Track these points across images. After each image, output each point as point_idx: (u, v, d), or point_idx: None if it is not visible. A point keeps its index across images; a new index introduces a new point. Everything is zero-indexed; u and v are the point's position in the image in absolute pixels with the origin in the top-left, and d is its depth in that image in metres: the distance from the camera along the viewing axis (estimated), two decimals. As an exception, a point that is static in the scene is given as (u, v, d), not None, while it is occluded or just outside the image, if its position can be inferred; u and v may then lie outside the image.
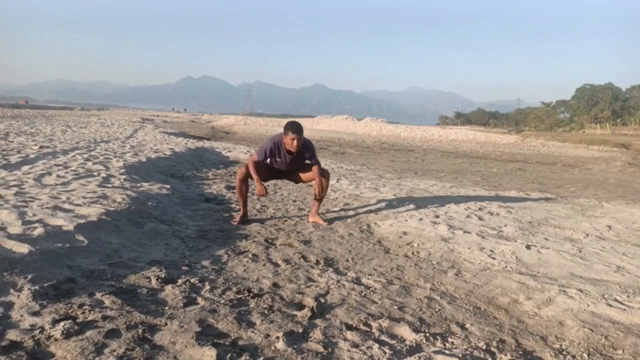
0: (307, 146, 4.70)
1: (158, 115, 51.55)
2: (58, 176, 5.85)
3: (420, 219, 4.95)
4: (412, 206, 5.70)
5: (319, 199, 4.83)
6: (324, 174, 4.79)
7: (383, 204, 5.80)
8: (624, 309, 2.65)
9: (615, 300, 2.79)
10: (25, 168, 6.32)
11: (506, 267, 3.52)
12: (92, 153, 8.75)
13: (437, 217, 5.12)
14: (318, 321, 2.43)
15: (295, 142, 4.48)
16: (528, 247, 4.00)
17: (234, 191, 6.56)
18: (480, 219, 5.17)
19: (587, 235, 4.60)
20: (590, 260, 3.68)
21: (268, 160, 4.73)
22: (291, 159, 4.68)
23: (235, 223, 4.59)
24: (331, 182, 7.68)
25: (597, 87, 74.71)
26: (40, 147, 9.10)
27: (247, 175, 4.68)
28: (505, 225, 4.84)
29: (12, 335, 2.02)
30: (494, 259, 3.69)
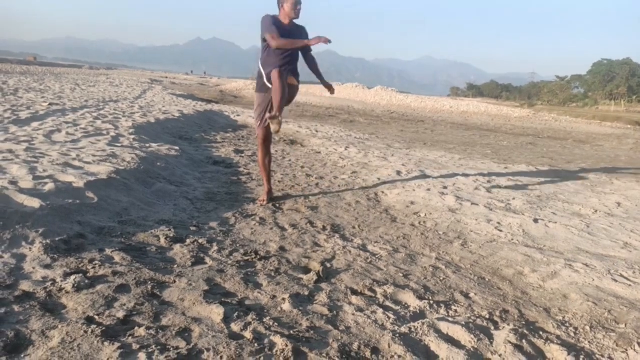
0: (301, 26, 4.13)
1: (167, 77, 51.12)
2: (68, 134, 5.86)
3: (428, 190, 4.94)
4: (420, 176, 5.68)
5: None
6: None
7: (391, 174, 5.78)
8: (629, 285, 2.65)
9: (621, 275, 2.79)
10: (35, 124, 6.33)
11: (513, 239, 3.52)
12: (101, 112, 8.73)
13: (445, 188, 5.10)
14: (324, 285, 2.46)
15: (299, 7, 3.94)
16: (535, 220, 3.99)
17: (242, 155, 6.56)
18: (489, 191, 5.14)
19: (596, 211, 4.57)
20: (598, 236, 3.67)
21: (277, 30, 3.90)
22: (292, 32, 4.00)
23: (263, 203, 4.06)
24: (340, 149, 7.64)
25: (615, 62, 72.80)
26: (50, 104, 9.09)
27: (269, 136, 4.15)
28: (514, 199, 4.82)
29: (24, 286, 2.07)
30: (500, 231, 3.69)
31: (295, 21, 4.10)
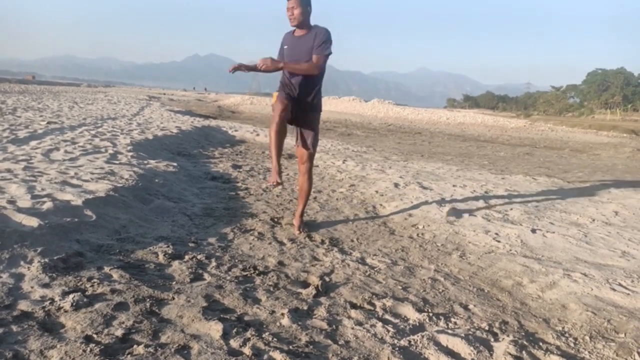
0: (318, 29, 3.59)
1: (164, 93, 51.36)
2: (66, 152, 5.88)
3: (426, 201, 4.95)
4: (417, 188, 5.69)
5: (303, 195, 3.82)
6: (309, 165, 3.79)
7: (389, 186, 5.80)
8: (628, 294, 2.65)
9: (620, 284, 2.80)
10: (33, 143, 6.35)
11: (511, 250, 3.53)
12: (99, 130, 8.77)
13: (442, 199, 5.12)
14: (323, 299, 2.46)
15: (293, 12, 3.46)
16: (533, 230, 4.00)
17: (240, 170, 6.58)
18: (486, 202, 5.15)
19: (594, 220, 4.58)
20: (596, 245, 3.68)
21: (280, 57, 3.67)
22: (296, 41, 3.61)
23: (275, 183, 3.43)
24: (337, 163, 7.67)
25: (609, 71, 73.46)
26: (48, 122, 9.13)
27: (284, 125, 3.56)
28: (511, 209, 4.83)
29: (23, 305, 2.07)
30: (498, 242, 3.70)
31: (318, 24, 3.61)
